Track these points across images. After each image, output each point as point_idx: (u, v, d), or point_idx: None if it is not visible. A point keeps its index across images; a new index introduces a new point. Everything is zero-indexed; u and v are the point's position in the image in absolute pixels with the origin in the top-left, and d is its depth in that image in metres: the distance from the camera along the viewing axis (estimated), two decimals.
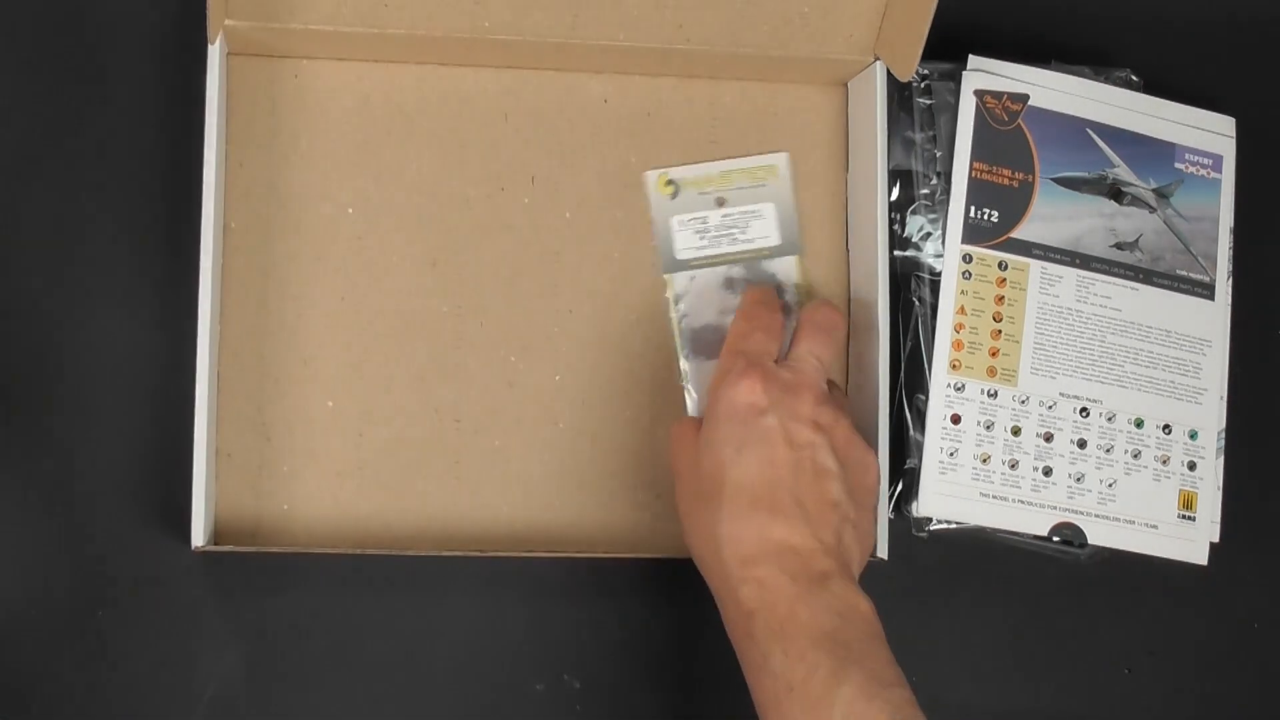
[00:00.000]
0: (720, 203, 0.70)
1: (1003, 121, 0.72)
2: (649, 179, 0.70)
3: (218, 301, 0.65)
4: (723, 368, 0.63)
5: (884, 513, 0.67)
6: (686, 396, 0.69)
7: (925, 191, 0.72)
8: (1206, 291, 0.74)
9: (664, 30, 0.68)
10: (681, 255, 0.70)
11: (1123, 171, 0.73)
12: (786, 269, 0.71)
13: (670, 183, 0.70)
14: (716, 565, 0.60)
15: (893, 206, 0.71)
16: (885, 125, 0.69)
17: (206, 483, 0.63)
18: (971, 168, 0.72)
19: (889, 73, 0.69)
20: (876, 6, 0.68)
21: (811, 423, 0.61)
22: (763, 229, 0.71)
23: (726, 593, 0.60)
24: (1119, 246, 0.73)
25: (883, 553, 0.67)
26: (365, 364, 0.67)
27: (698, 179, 0.70)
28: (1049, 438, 0.71)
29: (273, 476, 0.66)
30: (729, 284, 0.70)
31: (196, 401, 0.62)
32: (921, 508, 0.70)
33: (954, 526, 0.71)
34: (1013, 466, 0.71)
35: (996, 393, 0.71)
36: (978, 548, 0.72)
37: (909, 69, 0.67)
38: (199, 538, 0.62)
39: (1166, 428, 0.72)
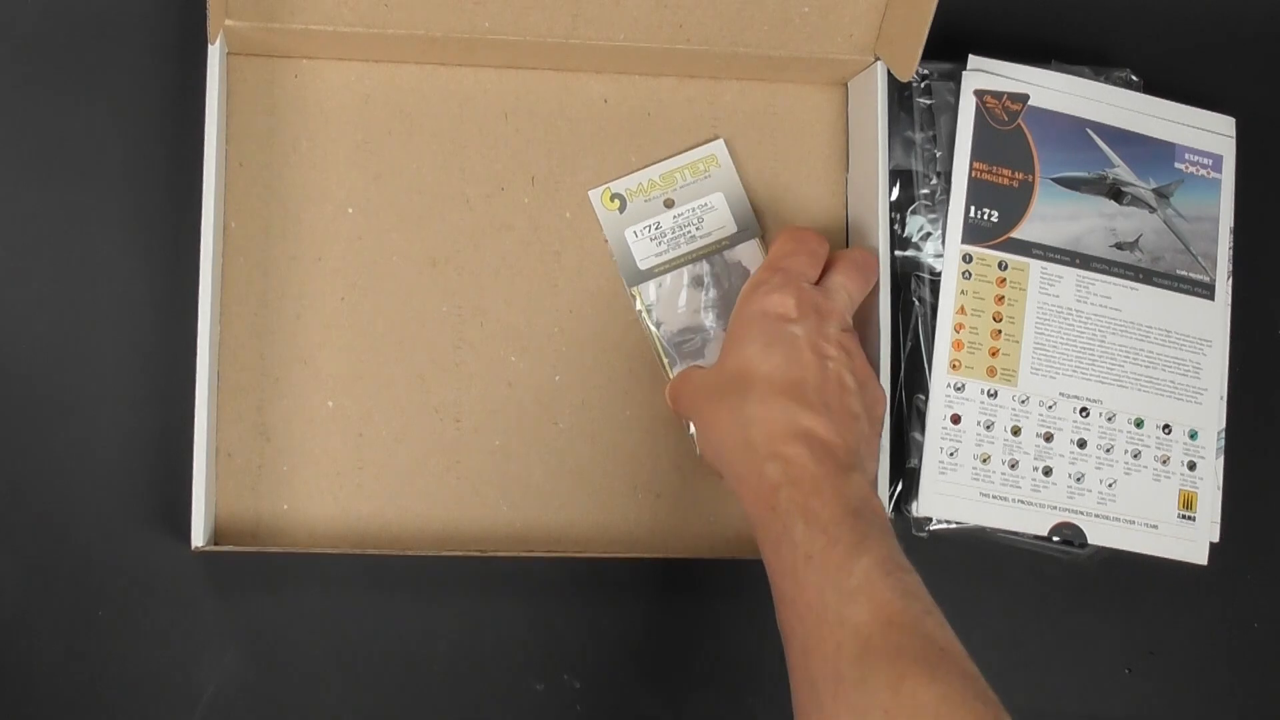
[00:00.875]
0: (669, 204, 0.70)
1: (1003, 121, 0.72)
2: (593, 198, 0.70)
3: (218, 301, 0.65)
4: (758, 279, 0.64)
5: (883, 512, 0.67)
6: None
7: (925, 191, 0.72)
8: (1206, 291, 0.74)
9: (664, 30, 0.68)
10: (644, 265, 0.70)
11: (1123, 171, 0.73)
12: (751, 253, 0.71)
13: (615, 197, 0.70)
14: (741, 446, 0.60)
15: (893, 206, 0.71)
16: (885, 125, 0.69)
17: (206, 483, 0.63)
18: (971, 168, 0.72)
19: (889, 73, 0.69)
20: (876, 6, 0.68)
21: (836, 343, 0.62)
22: (717, 220, 0.71)
23: (750, 470, 0.60)
24: (1119, 246, 0.73)
25: None
26: (365, 364, 0.67)
27: (641, 186, 0.70)
28: (1049, 438, 0.71)
29: (273, 476, 0.66)
30: (697, 282, 0.70)
31: (196, 401, 0.62)
32: (921, 508, 0.70)
33: (954, 526, 0.71)
34: (1013, 466, 0.71)
35: (996, 393, 0.71)
36: (978, 548, 0.72)
37: (909, 69, 0.67)
38: (199, 538, 0.62)
39: (1166, 428, 0.72)
